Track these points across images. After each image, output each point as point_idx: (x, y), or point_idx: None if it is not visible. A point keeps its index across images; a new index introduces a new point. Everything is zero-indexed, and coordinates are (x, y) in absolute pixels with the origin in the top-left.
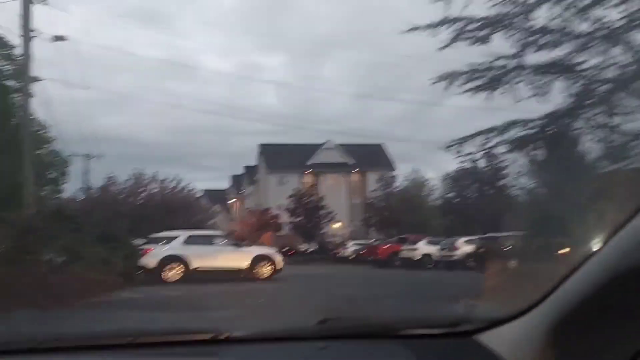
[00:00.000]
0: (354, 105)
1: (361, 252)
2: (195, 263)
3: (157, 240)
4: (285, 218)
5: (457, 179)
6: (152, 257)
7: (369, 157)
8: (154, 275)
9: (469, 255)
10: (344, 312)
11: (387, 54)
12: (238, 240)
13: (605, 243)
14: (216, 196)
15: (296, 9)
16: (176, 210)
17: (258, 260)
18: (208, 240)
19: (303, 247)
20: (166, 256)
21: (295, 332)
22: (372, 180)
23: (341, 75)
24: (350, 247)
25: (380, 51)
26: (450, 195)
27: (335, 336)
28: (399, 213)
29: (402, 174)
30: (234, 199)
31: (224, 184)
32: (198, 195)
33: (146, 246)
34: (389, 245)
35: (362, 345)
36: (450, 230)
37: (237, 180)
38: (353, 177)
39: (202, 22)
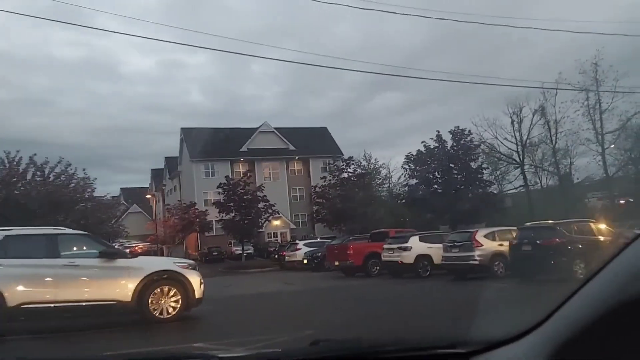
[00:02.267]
0: (283, 102)
1: (318, 255)
2: (17, 295)
3: None
4: (214, 215)
5: (421, 162)
6: None
7: (312, 141)
8: None
9: (496, 257)
10: (335, 333)
11: (315, 51)
12: (117, 247)
13: (608, 264)
14: (134, 194)
15: (219, 5)
16: (63, 205)
17: (154, 283)
18: (45, 248)
19: (237, 249)
20: None
21: (287, 353)
22: (317, 167)
23: (270, 72)
24: (302, 249)
25: (308, 48)
26: (413, 182)
27: (327, 358)
28: (356, 204)
29: (353, 159)
30: (154, 196)
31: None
32: (96, 187)
33: None
34: (361, 244)
35: None
36: (417, 222)
37: (157, 174)
38: (294, 165)
39: (121, 20)
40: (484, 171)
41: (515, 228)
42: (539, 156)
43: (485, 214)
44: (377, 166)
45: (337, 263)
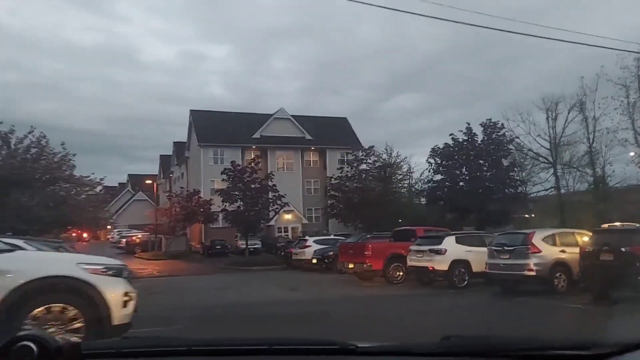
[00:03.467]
0: (303, 98)
1: (330, 254)
2: None
3: None
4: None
5: (447, 156)
6: None
7: (331, 132)
8: None
9: (557, 266)
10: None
11: (336, 49)
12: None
13: None
14: (142, 182)
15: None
16: (30, 183)
17: (34, 299)
18: None
19: (244, 244)
20: None
21: (419, 347)
22: (334, 159)
23: (291, 68)
24: (312, 246)
25: (330, 46)
26: (438, 177)
27: (458, 353)
28: (375, 198)
29: (374, 149)
30: (155, 182)
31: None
32: (75, 166)
33: None
34: (381, 243)
35: None
36: (439, 222)
37: (166, 161)
38: (310, 155)
39: (142, 7)
40: (516, 169)
41: (579, 231)
42: (567, 157)
43: (513, 217)
44: (398, 161)
45: (351, 266)
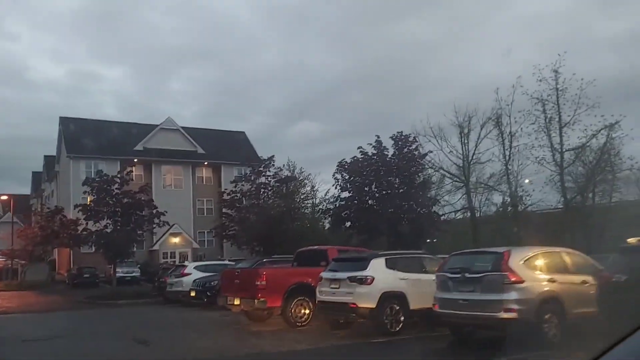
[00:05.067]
0: (202, 122)
1: (212, 285)
2: None
3: None
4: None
5: (356, 172)
6: None
7: (227, 146)
8: None
9: (547, 304)
10: None
11: (237, 74)
12: None
13: None
14: (18, 202)
15: (139, 19)
16: None
17: None
18: None
19: (120, 271)
20: None
21: None
22: (230, 176)
23: (190, 91)
24: (192, 274)
25: (231, 70)
26: (346, 195)
27: None
28: (275, 218)
29: (274, 160)
30: (10, 198)
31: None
32: None
33: None
34: (280, 270)
35: None
36: (347, 245)
37: (37, 177)
38: (203, 171)
39: (30, 24)
40: (431, 187)
41: (569, 251)
42: (477, 176)
43: (426, 239)
44: (301, 178)
45: (236, 302)
